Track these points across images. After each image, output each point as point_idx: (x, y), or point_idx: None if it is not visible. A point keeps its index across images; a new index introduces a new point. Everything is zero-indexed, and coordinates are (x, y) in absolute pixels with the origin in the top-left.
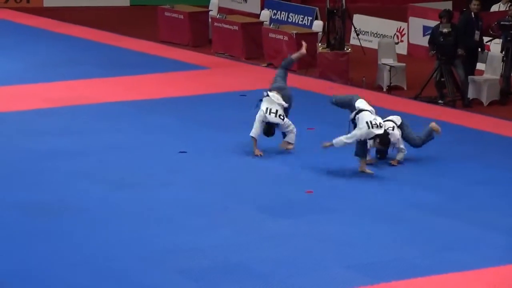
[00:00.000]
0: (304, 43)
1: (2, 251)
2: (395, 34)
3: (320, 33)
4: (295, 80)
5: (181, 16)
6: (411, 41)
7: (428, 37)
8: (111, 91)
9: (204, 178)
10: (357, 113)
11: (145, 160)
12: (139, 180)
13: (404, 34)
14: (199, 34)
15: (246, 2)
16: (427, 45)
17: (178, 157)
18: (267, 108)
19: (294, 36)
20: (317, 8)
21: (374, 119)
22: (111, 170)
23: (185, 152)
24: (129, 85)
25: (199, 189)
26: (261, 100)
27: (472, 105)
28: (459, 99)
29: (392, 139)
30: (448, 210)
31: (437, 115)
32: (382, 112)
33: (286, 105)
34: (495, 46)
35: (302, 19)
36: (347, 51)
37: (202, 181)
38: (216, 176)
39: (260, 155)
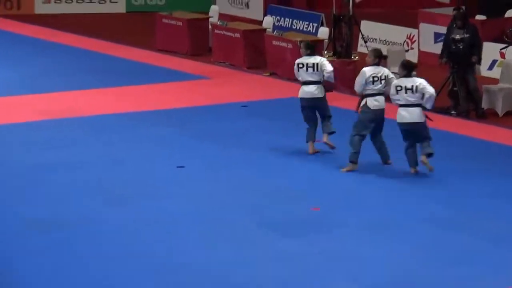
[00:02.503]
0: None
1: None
2: (405, 41)
3: (326, 40)
4: (296, 90)
5: (180, 23)
6: (422, 49)
7: (441, 43)
8: (106, 102)
9: (203, 193)
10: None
11: (143, 174)
12: (137, 194)
13: (415, 41)
14: (199, 42)
15: (248, 8)
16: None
17: (176, 171)
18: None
19: (299, 44)
20: (322, 14)
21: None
22: (109, 183)
23: (183, 167)
24: (125, 96)
25: (199, 204)
26: None
27: (486, 115)
28: (473, 109)
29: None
30: (459, 224)
31: (449, 126)
32: (391, 122)
33: None
34: (510, 53)
35: (307, 26)
36: (355, 59)
37: (202, 195)
38: (216, 191)
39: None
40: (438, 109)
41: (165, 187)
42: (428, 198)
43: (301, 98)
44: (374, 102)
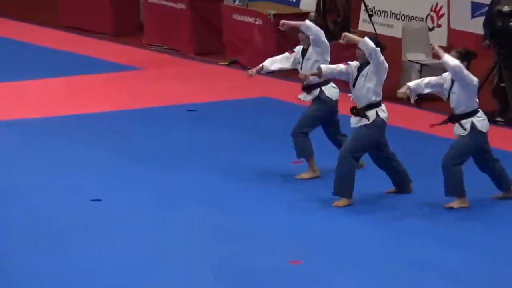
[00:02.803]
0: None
1: None
2: (428, 15)
3: (313, 14)
4: (274, 87)
5: None
6: (453, 26)
7: (481, 19)
8: None
9: (129, 240)
10: None
11: (40, 212)
12: (22, 245)
13: (443, 15)
14: (125, 17)
15: None
16: (481, 31)
17: (90, 206)
18: None
19: (272, 19)
20: None
21: None
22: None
23: (100, 200)
24: (17, 95)
25: (124, 257)
26: None
27: None
28: None
29: None
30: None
31: (493, 140)
32: (404, 139)
33: None
34: None
35: None
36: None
37: (139, 243)
38: (157, 235)
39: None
40: None
41: (68, 233)
42: (438, 238)
43: (334, 101)
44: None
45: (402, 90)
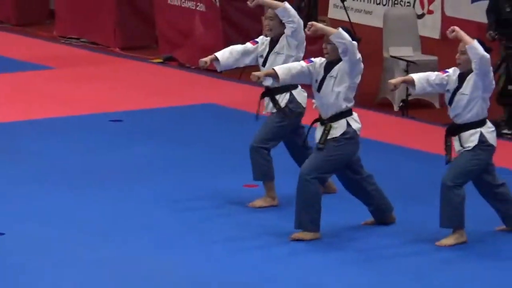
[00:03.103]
0: None
1: None
2: None
3: None
4: (221, 90)
5: None
6: (448, 13)
7: (484, 3)
8: None
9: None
10: None
11: None
12: None
13: None
14: (32, 2)
15: None
16: (485, 19)
17: None
18: None
19: (218, 3)
20: None
21: None
22: None
23: (2, 234)
24: None
25: None
26: None
27: None
28: None
29: None
30: None
31: (501, 159)
32: (385, 156)
33: None
34: None
35: None
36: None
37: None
38: (77, 278)
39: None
40: None
41: None
42: None
43: (304, 109)
44: None
45: (396, 81)
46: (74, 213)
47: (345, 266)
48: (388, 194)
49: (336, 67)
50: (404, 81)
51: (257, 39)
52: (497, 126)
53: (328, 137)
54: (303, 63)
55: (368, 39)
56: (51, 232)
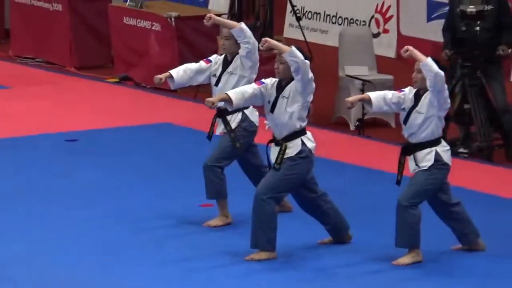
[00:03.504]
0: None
1: None
2: (372, 17)
3: (225, 16)
4: (178, 109)
5: None
6: (404, 32)
7: (440, 22)
8: None
9: None
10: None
11: None
12: None
13: (391, 17)
14: None
15: None
16: (441, 37)
17: None
18: None
19: (173, 23)
20: None
21: None
22: None
23: None
24: None
25: None
26: None
27: None
28: (501, 145)
29: None
30: None
31: (456, 178)
32: (341, 175)
33: None
34: None
35: None
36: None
37: None
38: None
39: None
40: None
41: None
42: None
43: (257, 127)
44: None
45: (354, 99)
46: (24, 231)
47: (302, 285)
48: (345, 213)
49: (288, 87)
50: (361, 99)
51: (210, 58)
52: (453, 145)
53: (284, 157)
54: (255, 86)
55: (324, 58)
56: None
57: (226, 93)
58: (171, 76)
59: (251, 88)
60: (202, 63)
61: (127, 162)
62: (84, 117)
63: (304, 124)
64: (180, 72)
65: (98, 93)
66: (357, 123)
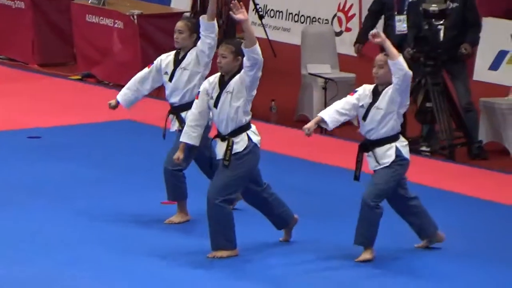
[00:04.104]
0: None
1: None
2: (334, 16)
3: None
4: (139, 106)
5: None
6: None
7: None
8: None
9: None
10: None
11: None
12: None
13: (353, 16)
14: None
15: None
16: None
17: None
18: None
19: (136, 20)
20: None
21: None
22: None
23: None
24: None
25: None
26: None
27: (487, 154)
28: (463, 143)
29: None
30: None
31: (420, 177)
32: (304, 177)
33: None
34: None
35: None
36: None
37: None
38: None
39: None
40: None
41: None
42: None
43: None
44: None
45: (310, 125)
46: None
47: (265, 283)
48: (306, 211)
49: (232, 83)
50: (316, 123)
51: (158, 58)
52: (415, 143)
53: (232, 153)
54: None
55: (286, 56)
56: None
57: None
58: (118, 102)
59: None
60: (144, 70)
61: (89, 159)
62: (46, 114)
63: (248, 118)
64: (125, 93)
65: (61, 90)
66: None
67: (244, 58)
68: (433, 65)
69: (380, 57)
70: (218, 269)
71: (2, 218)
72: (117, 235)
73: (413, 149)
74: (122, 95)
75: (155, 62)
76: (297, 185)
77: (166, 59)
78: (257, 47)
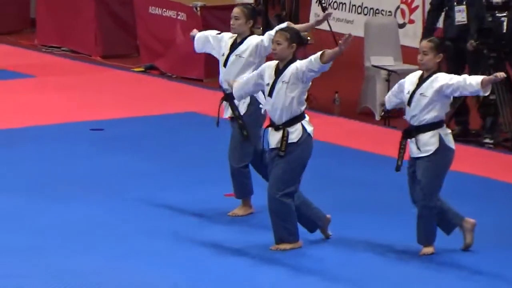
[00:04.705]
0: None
1: None
2: (398, 8)
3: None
4: (203, 98)
5: None
6: None
7: None
8: None
9: None
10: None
11: None
12: None
13: (417, 7)
14: (12, 10)
15: None
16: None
17: None
18: None
19: (199, 12)
20: None
21: None
22: None
23: None
24: None
25: None
26: None
27: None
28: None
29: None
30: None
31: (483, 169)
32: (367, 169)
33: None
34: None
35: None
36: (305, 41)
37: None
38: None
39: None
40: (459, 134)
41: None
42: None
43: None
44: None
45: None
46: (51, 222)
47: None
48: (366, 203)
49: (287, 72)
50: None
51: (222, 33)
52: (478, 135)
53: (288, 142)
54: (255, 74)
55: (349, 48)
56: (31, 242)
57: (230, 81)
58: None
59: (253, 77)
60: (213, 33)
61: (152, 151)
62: (109, 107)
63: (303, 108)
64: (199, 37)
65: (124, 83)
66: (383, 113)
67: (312, 62)
68: (496, 57)
69: (424, 43)
70: (278, 261)
71: (64, 211)
72: (180, 227)
73: (476, 141)
74: (197, 38)
75: (220, 34)
76: (359, 178)
77: (226, 39)
78: (330, 64)
